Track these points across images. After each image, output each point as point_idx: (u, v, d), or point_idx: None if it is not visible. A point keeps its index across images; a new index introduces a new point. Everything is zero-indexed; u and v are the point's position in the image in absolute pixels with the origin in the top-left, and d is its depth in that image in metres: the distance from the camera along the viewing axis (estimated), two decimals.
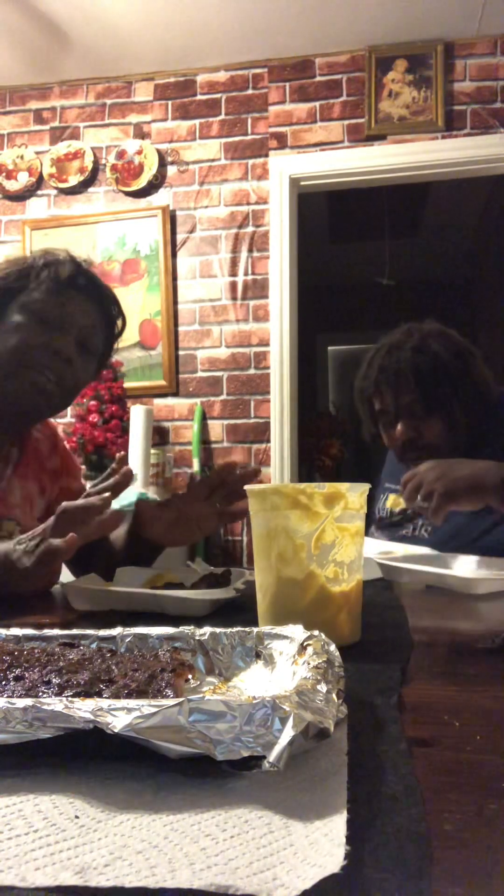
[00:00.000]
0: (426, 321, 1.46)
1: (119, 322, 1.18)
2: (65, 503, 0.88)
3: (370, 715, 0.42)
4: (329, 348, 5.94)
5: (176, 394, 3.05)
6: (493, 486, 1.09)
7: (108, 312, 1.16)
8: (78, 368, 1.11)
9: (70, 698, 0.38)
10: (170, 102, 3.11)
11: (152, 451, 2.84)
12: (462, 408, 1.36)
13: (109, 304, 1.16)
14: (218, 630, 0.52)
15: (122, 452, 1.08)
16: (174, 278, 3.05)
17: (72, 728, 0.34)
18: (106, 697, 0.40)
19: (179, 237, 3.07)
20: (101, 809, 0.30)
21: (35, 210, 3.20)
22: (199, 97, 3.09)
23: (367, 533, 1.53)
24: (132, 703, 0.35)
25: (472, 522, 1.30)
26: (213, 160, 3.06)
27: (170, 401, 3.05)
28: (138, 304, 3.03)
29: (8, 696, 0.39)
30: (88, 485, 1.04)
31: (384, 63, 2.92)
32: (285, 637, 0.49)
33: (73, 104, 3.20)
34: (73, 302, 1.09)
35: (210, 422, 3.02)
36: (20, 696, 0.40)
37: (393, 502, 1.49)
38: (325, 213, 4.38)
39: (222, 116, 3.06)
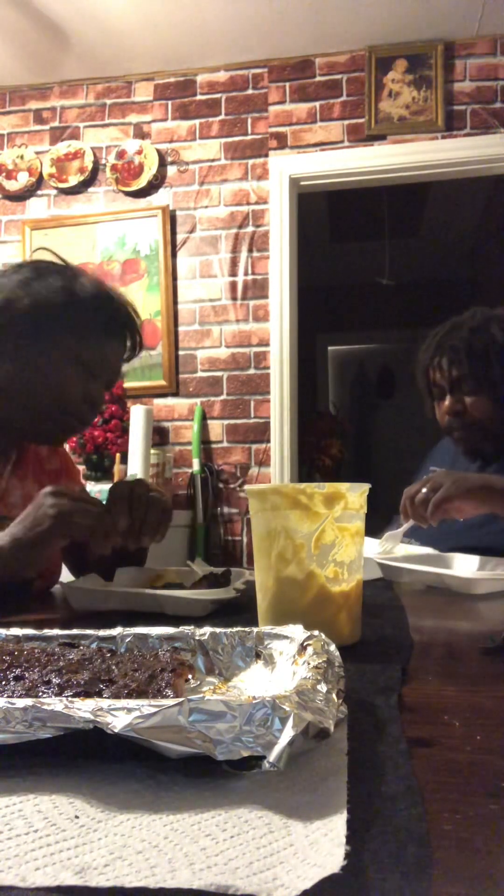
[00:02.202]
0: (498, 307, 1.54)
1: (138, 348, 1.19)
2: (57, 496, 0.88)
3: (370, 715, 0.42)
4: (329, 348, 5.94)
5: (176, 394, 3.05)
6: (502, 489, 1.12)
7: (133, 345, 1.16)
8: (101, 408, 1.15)
9: (70, 698, 0.38)
10: (170, 102, 3.11)
11: (152, 451, 2.84)
12: None
13: (136, 338, 1.16)
14: (218, 630, 0.52)
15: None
16: (174, 278, 3.05)
17: (72, 728, 0.34)
18: (106, 697, 0.40)
19: (179, 237, 3.07)
20: (101, 809, 0.30)
21: (35, 210, 3.20)
22: (199, 97, 3.09)
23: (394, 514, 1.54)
24: (132, 703, 0.35)
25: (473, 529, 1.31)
26: (213, 160, 3.06)
27: (170, 401, 3.05)
28: (138, 304, 3.02)
29: (8, 696, 0.39)
30: (88, 485, 1.03)
31: (384, 63, 2.91)
32: (285, 637, 0.49)
33: (73, 104, 3.20)
34: (110, 344, 1.10)
35: (210, 422, 3.02)
36: (20, 696, 0.40)
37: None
38: (325, 213, 4.37)
39: (222, 116, 3.06)
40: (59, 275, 1.08)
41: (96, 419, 2.77)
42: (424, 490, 1.13)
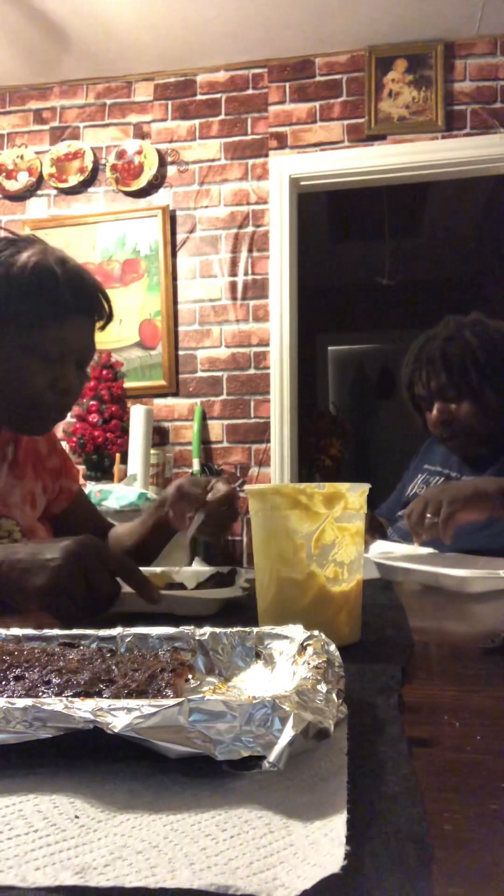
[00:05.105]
0: (470, 314, 1.56)
1: (106, 307, 1.09)
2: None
3: (370, 715, 0.42)
4: (329, 348, 5.94)
5: (176, 394, 3.05)
6: (494, 493, 1.17)
7: (98, 312, 1.08)
8: (77, 391, 1.07)
9: (70, 698, 0.38)
10: (170, 102, 3.11)
11: (152, 451, 2.84)
12: (494, 391, 1.45)
13: (100, 304, 1.08)
14: (218, 630, 0.52)
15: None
16: (174, 278, 3.05)
17: (72, 728, 0.34)
18: (106, 697, 0.40)
19: (179, 237, 3.07)
20: (101, 809, 0.30)
21: (35, 210, 3.20)
22: (198, 97, 3.09)
23: (394, 518, 1.56)
24: (132, 703, 0.35)
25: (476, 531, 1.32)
26: (213, 160, 3.06)
27: (170, 401, 3.05)
28: (138, 304, 3.03)
29: (8, 696, 0.39)
30: (88, 485, 1.00)
31: (384, 63, 2.91)
32: (285, 637, 0.49)
33: (73, 104, 3.20)
34: (68, 324, 1.01)
35: (210, 422, 3.01)
36: (20, 696, 0.40)
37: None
38: (325, 213, 4.37)
39: (222, 116, 3.06)
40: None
41: (96, 419, 2.77)
42: (429, 516, 1.16)
